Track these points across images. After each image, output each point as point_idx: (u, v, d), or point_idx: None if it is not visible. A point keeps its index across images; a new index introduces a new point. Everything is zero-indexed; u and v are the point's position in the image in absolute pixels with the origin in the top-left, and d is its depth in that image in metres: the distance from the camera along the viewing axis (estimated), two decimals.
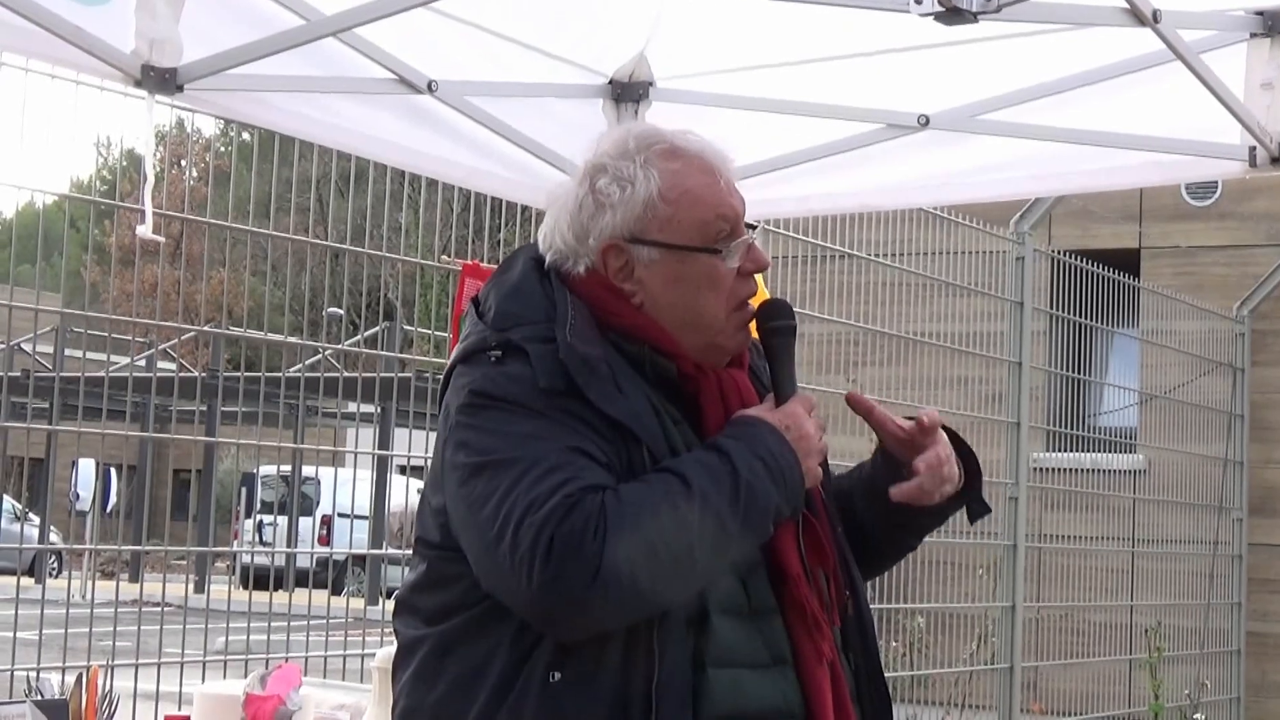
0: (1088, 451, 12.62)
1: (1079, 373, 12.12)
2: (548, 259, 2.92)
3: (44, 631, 5.83)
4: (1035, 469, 11.48)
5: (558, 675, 2.65)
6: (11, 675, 5.28)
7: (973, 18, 3.21)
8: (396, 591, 3.02)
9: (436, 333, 7.61)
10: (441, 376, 2.95)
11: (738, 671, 2.72)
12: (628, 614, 2.63)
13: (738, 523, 2.67)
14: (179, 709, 4.02)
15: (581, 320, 2.81)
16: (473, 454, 2.70)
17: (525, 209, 7.32)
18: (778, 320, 2.99)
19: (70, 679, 3.94)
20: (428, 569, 2.85)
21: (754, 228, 3.05)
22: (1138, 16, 3.59)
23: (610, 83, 4.88)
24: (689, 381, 2.88)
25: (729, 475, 2.68)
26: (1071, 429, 12.17)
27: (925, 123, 4.83)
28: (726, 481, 2.68)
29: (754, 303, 2.98)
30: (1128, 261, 13.91)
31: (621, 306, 2.88)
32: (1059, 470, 12.37)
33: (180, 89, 4.06)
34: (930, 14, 3.20)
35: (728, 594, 2.75)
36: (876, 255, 10.06)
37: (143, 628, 6.21)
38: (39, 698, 3.78)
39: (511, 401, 2.71)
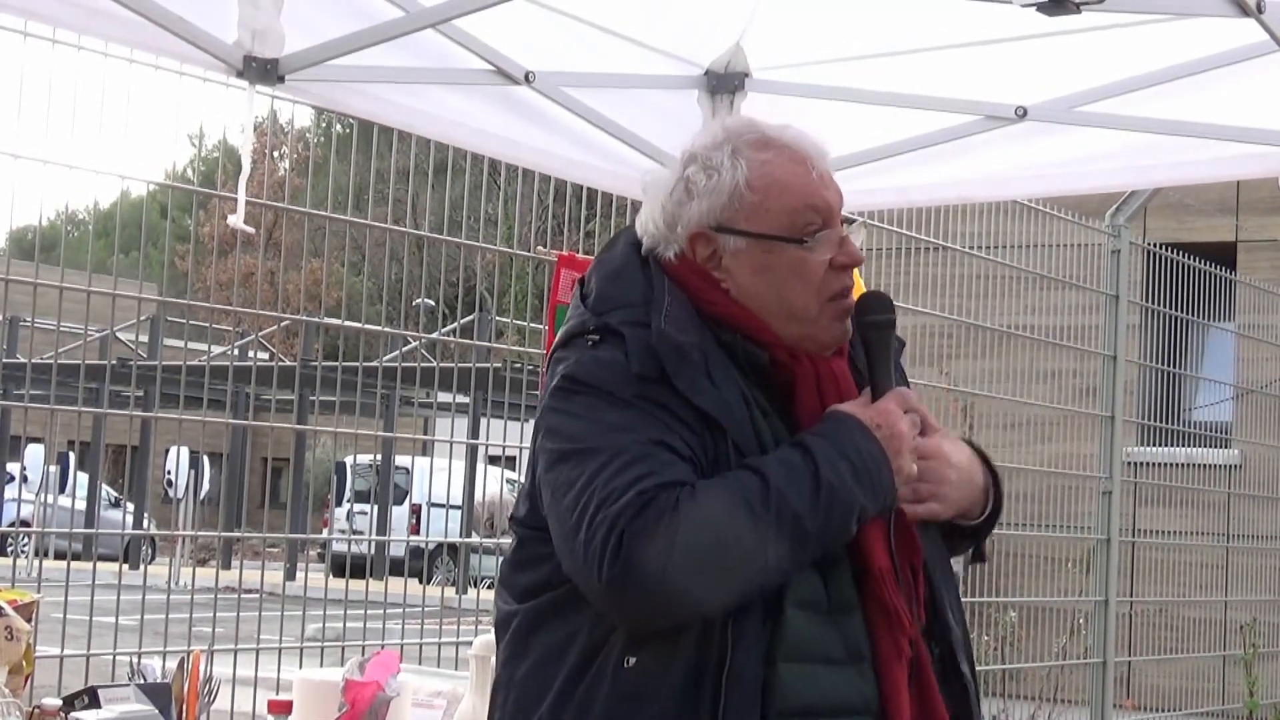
0: (1182, 446, 12.50)
1: (1173, 367, 12.02)
2: (644, 244, 2.92)
3: (144, 617, 5.89)
4: (1128, 463, 11.41)
5: (632, 661, 2.66)
6: (114, 659, 5.34)
7: (1075, 8, 3.18)
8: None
9: (528, 324, 7.62)
10: (530, 367, 2.98)
11: (812, 667, 2.70)
12: (695, 612, 2.62)
13: (817, 524, 2.65)
14: (276, 694, 4.05)
15: (678, 307, 2.80)
16: (559, 440, 2.72)
17: (616, 200, 7.33)
18: (876, 314, 2.94)
19: (172, 663, 3.98)
20: (520, 546, 2.87)
21: (853, 222, 3.03)
22: (1242, 7, 3.54)
23: (706, 74, 4.88)
24: (782, 369, 2.85)
25: (810, 475, 2.66)
26: (1165, 423, 12.08)
27: (1023, 114, 4.81)
28: (807, 482, 2.65)
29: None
30: (1224, 255, 13.80)
31: (714, 293, 2.86)
32: (1152, 465, 12.30)
33: (281, 80, 4.10)
34: (1032, 4, 3.18)
35: (807, 589, 2.72)
36: (970, 248, 10.02)
37: (237, 614, 6.26)
38: (142, 681, 3.84)
39: (601, 388, 2.71)
